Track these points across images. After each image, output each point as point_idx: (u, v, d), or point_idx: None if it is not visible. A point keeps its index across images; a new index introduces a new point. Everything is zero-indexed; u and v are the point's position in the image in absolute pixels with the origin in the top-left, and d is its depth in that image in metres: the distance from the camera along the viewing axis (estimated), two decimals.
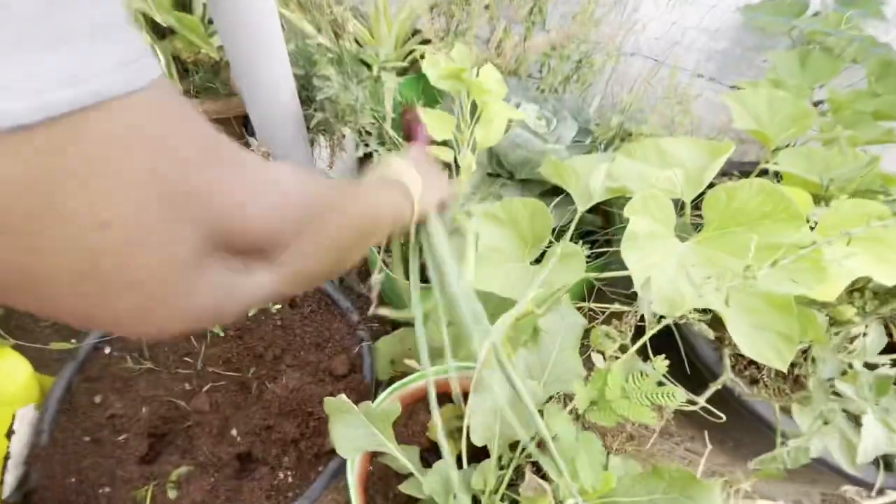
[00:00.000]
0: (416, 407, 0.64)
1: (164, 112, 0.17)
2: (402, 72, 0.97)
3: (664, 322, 0.44)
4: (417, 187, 0.41)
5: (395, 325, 0.93)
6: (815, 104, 0.91)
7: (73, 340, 0.71)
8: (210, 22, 0.97)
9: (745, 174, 0.81)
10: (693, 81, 1.08)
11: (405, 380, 0.58)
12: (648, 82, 0.90)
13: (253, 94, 0.74)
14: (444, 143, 0.65)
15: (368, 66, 0.84)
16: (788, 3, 0.96)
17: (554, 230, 0.78)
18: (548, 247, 0.70)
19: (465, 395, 0.50)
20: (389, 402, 0.51)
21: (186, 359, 0.73)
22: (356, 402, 0.50)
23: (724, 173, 0.87)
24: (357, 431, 0.47)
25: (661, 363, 0.42)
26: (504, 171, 0.89)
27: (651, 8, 1.09)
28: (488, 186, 0.89)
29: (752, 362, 0.64)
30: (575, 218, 0.72)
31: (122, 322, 0.19)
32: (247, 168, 0.22)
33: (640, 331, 0.53)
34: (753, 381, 0.66)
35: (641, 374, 0.41)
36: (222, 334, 0.74)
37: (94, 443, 0.64)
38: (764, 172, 0.75)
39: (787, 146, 0.76)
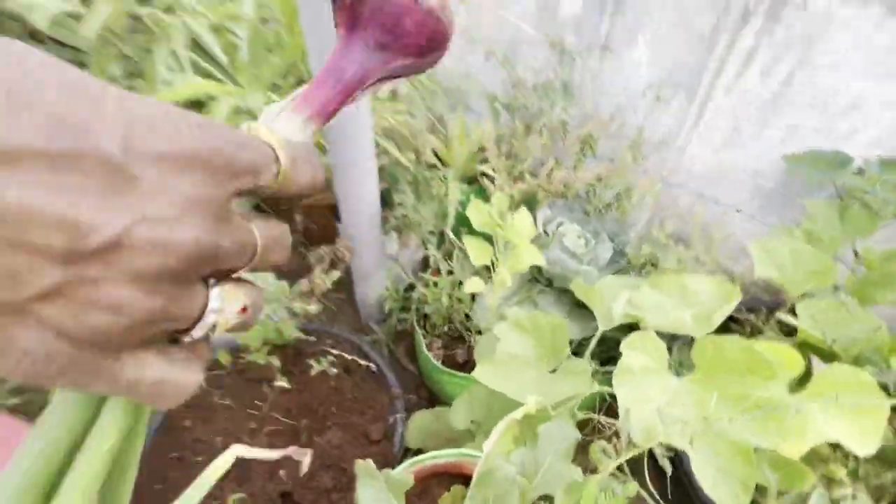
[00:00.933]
0: (432, 482, 0.74)
1: None
2: (469, 181, 1.16)
3: (636, 450, 0.51)
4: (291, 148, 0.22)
5: (434, 400, 1.05)
6: (856, 254, 0.94)
7: None
8: None
9: (771, 310, 0.86)
10: (732, 217, 1.16)
11: (423, 456, 0.68)
12: (682, 216, 0.99)
13: (345, 193, 0.95)
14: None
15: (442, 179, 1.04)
16: (831, 156, 1.02)
17: (580, 342, 0.87)
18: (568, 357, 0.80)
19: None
20: (405, 472, 0.62)
21: (257, 402, 0.90)
22: (381, 467, 0.61)
23: (749, 308, 0.92)
24: (377, 495, 0.59)
25: (632, 486, 0.49)
26: (543, 279, 1.01)
27: (698, 147, 1.20)
28: (527, 290, 1.02)
29: None
30: (596, 335, 0.81)
31: None
32: None
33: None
34: None
35: (612, 493, 0.48)
36: (289, 387, 0.90)
37: (178, 460, 0.81)
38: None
39: (812, 295, 0.81)
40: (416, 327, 0.98)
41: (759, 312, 0.92)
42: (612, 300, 0.79)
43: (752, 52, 1.04)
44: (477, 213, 0.75)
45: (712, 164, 1.21)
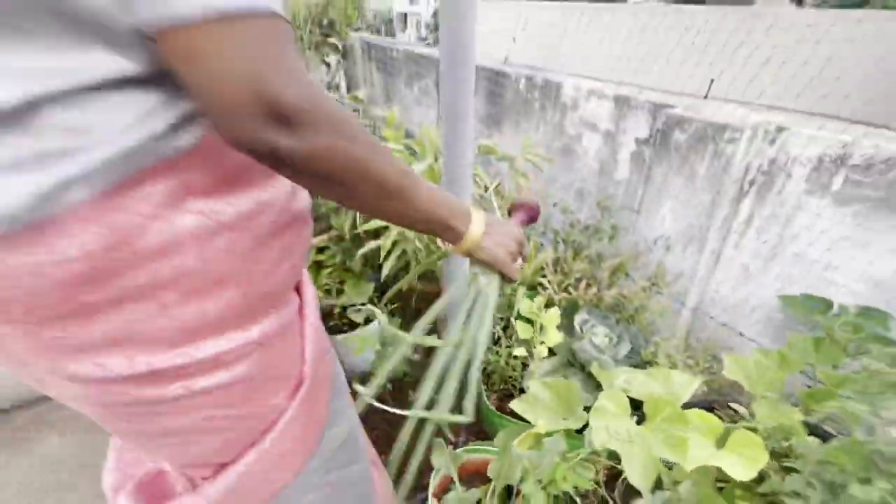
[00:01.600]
0: (475, 476, 1.12)
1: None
2: (531, 287, 1.62)
3: (594, 450, 0.87)
4: (477, 229, 0.57)
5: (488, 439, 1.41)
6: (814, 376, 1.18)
7: None
8: None
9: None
10: (735, 338, 1.46)
11: (469, 447, 1.08)
12: (689, 335, 1.34)
13: (449, 283, 1.48)
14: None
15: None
16: (817, 300, 1.31)
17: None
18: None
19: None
20: (462, 453, 1.03)
21: (372, 415, 1.37)
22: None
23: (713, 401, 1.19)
24: (443, 460, 1.00)
25: (588, 472, 0.84)
26: (577, 364, 1.39)
27: (718, 285, 1.55)
28: (563, 370, 1.40)
29: None
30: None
31: None
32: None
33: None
34: None
35: (577, 473, 0.84)
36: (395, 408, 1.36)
37: None
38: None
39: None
40: (481, 384, 1.40)
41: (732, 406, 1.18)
42: (614, 380, 1.17)
43: (749, 218, 1.43)
44: (526, 304, 1.21)
45: (731, 300, 1.54)
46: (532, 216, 0.80)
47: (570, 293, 1.46)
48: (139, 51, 0.35)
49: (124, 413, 0.47)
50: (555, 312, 1.21)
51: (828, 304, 1.29)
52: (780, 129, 1.30)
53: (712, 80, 1.59)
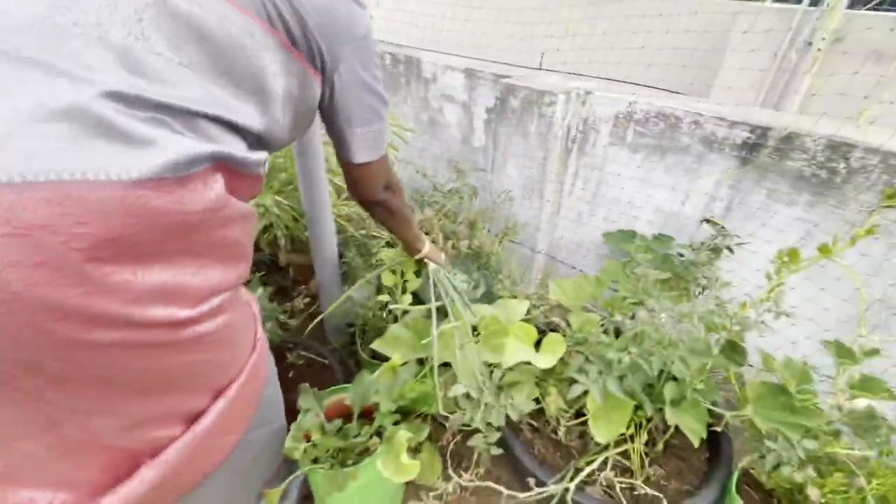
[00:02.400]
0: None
1: None
2: None
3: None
4: (427, 248, 1.22)
5: None
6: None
7: None
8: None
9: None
10: (576, 273, 1.73)
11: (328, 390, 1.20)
12: (545, 276, 1.57)
13: (316, 254, 1.56)
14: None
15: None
16: (627, 234, 1.61)
17: None
18: None
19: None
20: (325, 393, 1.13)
21: None
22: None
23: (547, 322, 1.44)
24: (308, 399, 1.10)
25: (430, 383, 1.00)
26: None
27: (562, 229, 1.81)
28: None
29: None
30: None
31: None
32: None
33: None
34: None
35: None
36: None
37: None
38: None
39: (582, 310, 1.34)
40: (358, 336, 1.52)
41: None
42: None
43: (576, 171, 1.70)
44: (386, 255, 1.35)
45: (573, 240, 1.81)
46: None
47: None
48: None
49: (136, 354, 0.51)
50: (410, 260, 1.36)
51: (633, 235, 1.60)
52: (587, 93, 1.56)
53: (543, 54, 1.82)
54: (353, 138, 0.77)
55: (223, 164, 0.55)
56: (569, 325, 1.29)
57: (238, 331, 0.67)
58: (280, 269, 1.83)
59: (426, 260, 1.24)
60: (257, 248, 1.65)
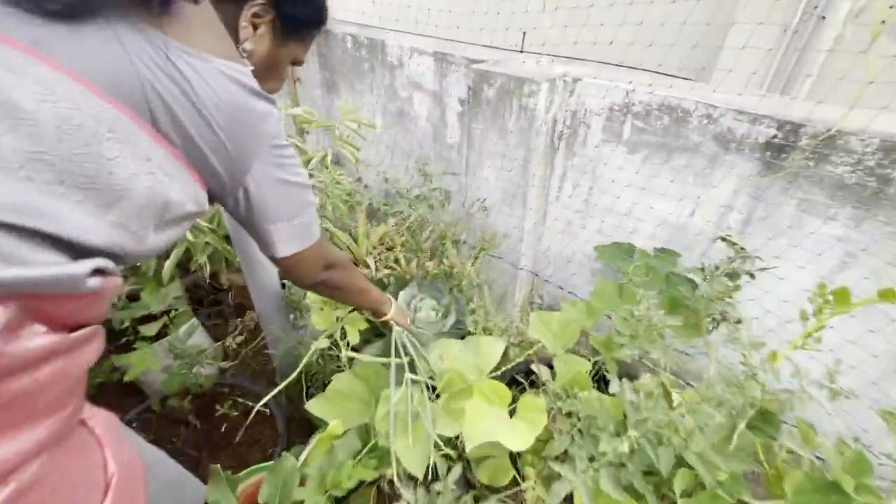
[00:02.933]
0: None
1: None
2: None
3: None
4: (392, 312, 1.03)
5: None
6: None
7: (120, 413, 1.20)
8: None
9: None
10: (560, 293, 1.48)
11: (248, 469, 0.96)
12: (530, 296, 1.32)
13: (252, 281, 1.30)
14: None
15: None
16: (623, 247, 1.36)
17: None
18: None
19: None
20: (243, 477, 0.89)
21: (174, 438, 1.17)
22: None
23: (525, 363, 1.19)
24: (219, 490, 0.86)
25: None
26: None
27: (548, 241, 1.56)
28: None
29: None
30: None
31: None
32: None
33: None
34: None
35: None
36: (200, 425, 1.18)
37: None
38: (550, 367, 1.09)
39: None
40: (304, 381, 1.27)
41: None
42: (430, 355, 1.10)
43: (563, 173, 1.44)
44: (313, 296, 1.10)
45: (560, 255, 1.56)
46: None
47: (393, 269, 1.36)
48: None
49: None
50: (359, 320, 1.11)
51: (631, 250, 1.35)
52: (576, 80, 1.29)
53: (524, 33, 1.54)
54: (277, 233, 0.67)
55: (13, 290, 0.41)
56: (553, 371, 1.05)
57: (68, 491, 0.48)
58: (219, 290, 1.58)
59: (391, 322, 1.06)
60: (188, 270, 1.39)
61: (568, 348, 1.09)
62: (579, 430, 0.79)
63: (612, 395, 0.85)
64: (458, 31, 1.57)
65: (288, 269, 0.74)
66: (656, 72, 1.41)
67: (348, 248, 1.53)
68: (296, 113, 1.55)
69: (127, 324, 1.29)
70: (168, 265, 1.21)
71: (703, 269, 1.07)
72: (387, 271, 1.33)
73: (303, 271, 0.75)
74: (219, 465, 0.88)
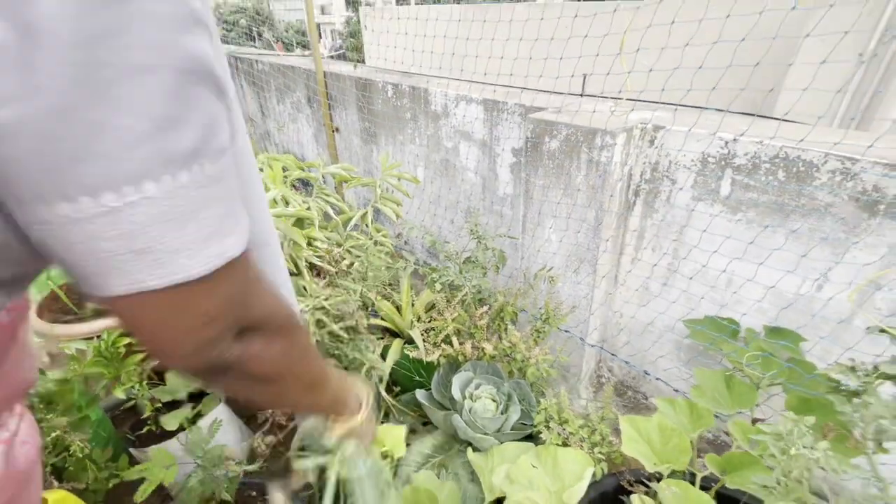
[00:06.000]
0: None
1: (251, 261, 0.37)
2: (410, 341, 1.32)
3: None
4: (366, 416, 0.62)
5: None
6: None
7: None
8: None
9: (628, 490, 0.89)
10: (644, 377, 1.24)
11: None
12: (596, 376, 1.09)
13: None
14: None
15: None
16: (721, 324, 1.12)
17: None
18: None
19: None
20: None
21: None
22: None
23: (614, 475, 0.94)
24: None
25: None
26: (460, 440, 1.11)
27: (628, 307, 1.33)
28: (447, 448, 1.11)
29: None
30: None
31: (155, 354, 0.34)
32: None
33: None
34: None
35: None
36: None
37: None
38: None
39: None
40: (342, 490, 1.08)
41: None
42: (492, 474, 0.89)
43: (641, 231, 1.23)
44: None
45: (639, 327, 1.33)
46: None
47: (446, 347, 1.17)
48: None
49: None
50: (399, 435, 0.91)
51: (734, 329, 1.11)
52: (657, 128, 1.10)
53: (585, 76, 1.38)
54: (96, 248, 0.29)
55: None
56: (657, 500, 0.81)
57: None
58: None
59: (351, 433, 0.63)
60: None
61: (675, 469, 0.85)
62: None
63: None
64: (511, 78, 1.43)
65: (137, 330, 0.34)
66: (753, 114, 1.20)
67: (392, 320, 1.36)
68: (334, 171, 1.44)
69: (149, 412, 1.15)
70: None
71: (853, 369, 0.82)
72: (436, 353, 1.14)
73: (171, 337, 0.34)
74: None
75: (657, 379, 1.28)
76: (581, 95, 1.45)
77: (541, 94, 1.48)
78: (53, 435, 0.98)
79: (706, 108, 1.19)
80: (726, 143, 1.00)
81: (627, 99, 1.23)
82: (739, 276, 1.08)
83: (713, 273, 1.12)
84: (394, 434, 0.91)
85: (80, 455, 1.00)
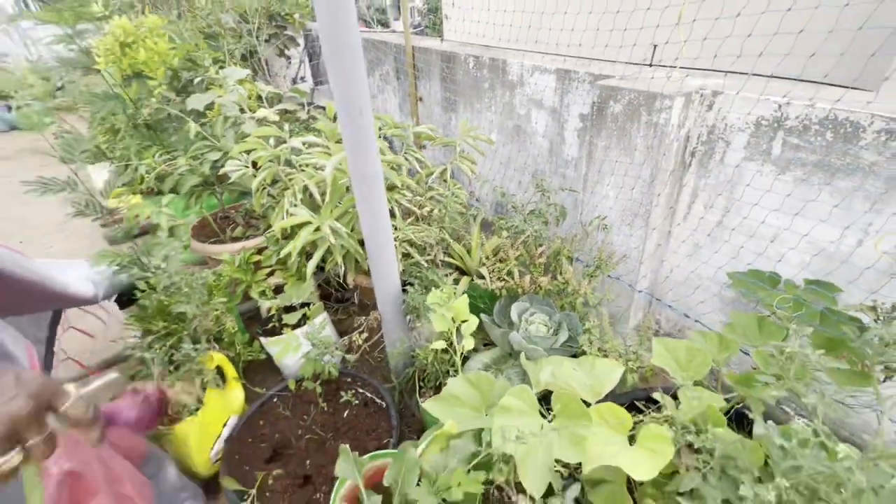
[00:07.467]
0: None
1: None
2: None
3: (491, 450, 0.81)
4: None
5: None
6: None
7: (264, 388, 1.40)
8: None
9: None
10: (681, 319, 1.37)
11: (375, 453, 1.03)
12: (645, 319, 1.26)
13: (377, 283, 1.42)
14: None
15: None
16: (763, 276, 1.22)
17: None
18: None
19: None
20: (366, 460, 0.98)
21: (305, 416, 1.33)
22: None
23: (644, 389, 1.11)
24: (347, 466, 0.95)
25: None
26: (515, 354, 1.33)
27: (672, 261, 1.46)
28: (503, 362, 1.34)
29: None
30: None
31: None
32: None
33: None
34: None
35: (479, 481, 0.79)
36: (326, 409, 1.32)
37: (251, 443, 1.26)
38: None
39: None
40: (417, 380, 1.35)
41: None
42: (539, 372, 1.10)
43: (695, 190, 1.34)
44: (433, 297, 1.15)
45: (685, 279, 1.45)
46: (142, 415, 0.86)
47: (507, 281, 1.39)
48: None
49: None
50: (464, 300, 1.15)
51: (774, 280, 1.20)
52: (715, 93, 1.20)
53: (654, 46, 1.48)
54: None
55: None
56: (677, 401, 0.98)
57: None
58: (345, 289, 1.75)
59: None
60: (322, 268, 1.56)
61: (696, 380, 1.00)
62: (712, 469, 0.73)
63: (750, 436, 0.77)
64: (580, 48, 1.56)
65: None
66: (811, 81, 1.26)
67: (462, 260, 1.59)
68: (419, 131, 1.68)
69: (273, 312, 1.50)
70: (311, 264, 1.39)
71: (874, 309, 0.92)
72: (499, 284, 1.36)
73: None
74: (347, 446, 0.98)
75: (696, 321, 1.40)
76: (650, 65, 1.56)
77: (611, 64, 1.60)
78: (215, 313, 1.34)
79: (770, 76, 1.26)
80: (779, 106, 1.09)
81: (693, 68, 1.33)
82: (783, 231, 1.18)
83: (759, 227, 1.22)
84: (461, 302, 1.15)
85: (231, 331, 1.37)
